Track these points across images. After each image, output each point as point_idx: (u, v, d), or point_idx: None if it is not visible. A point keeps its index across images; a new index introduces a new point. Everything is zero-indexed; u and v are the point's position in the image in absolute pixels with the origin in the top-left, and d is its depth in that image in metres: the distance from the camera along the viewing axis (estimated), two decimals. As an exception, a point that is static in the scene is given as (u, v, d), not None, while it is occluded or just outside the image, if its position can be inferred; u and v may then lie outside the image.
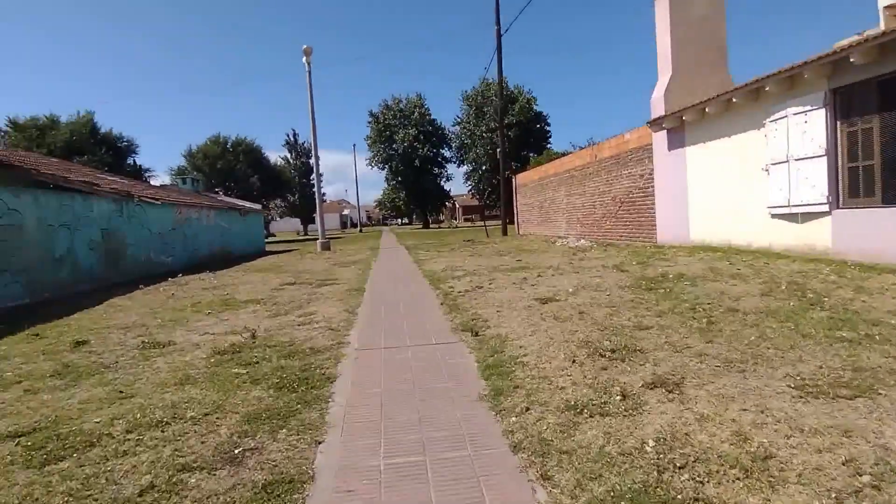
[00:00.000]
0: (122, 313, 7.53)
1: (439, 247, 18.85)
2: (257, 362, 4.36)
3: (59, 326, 6.68)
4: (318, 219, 22.09)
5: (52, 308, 8.22)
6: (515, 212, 26.15)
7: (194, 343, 5.28)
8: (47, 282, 9.73)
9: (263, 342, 5.06)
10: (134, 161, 46.48)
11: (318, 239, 21.46)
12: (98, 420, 3.32)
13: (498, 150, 26.37)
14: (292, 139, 60.70)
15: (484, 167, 50.38)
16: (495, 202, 51.91)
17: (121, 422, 3.25)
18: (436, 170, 57.44)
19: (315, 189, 23.57)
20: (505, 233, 24.49)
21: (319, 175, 23.29)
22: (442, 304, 6.66)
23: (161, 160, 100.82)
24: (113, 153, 41.91)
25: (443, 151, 57.61)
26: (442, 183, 58.94)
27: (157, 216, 14.72)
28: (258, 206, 32.62)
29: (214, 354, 4.72)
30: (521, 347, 4.28)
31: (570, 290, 6.72)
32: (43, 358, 5.04)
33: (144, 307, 7.95)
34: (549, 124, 51.70)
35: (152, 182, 39.40)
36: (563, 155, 24.66)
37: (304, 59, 19.90)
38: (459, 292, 7.33)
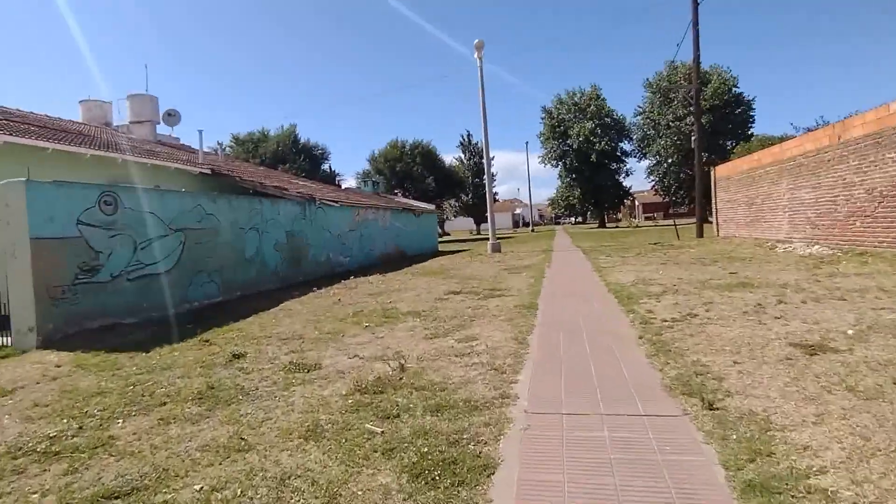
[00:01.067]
0: (288, 319, 7.40)
1: (622, 251, 16.59)
2: (398, 415, 3.37)
3: (230, 332, 6.67)
4: (489, 219, 21.39)
5: (236, 308, 8.56)
6: (714, 210, 22.31)
7: (339, 370, 4.57)
8: (238, 281, 10.35)
9: (411, 380, 4.08)
10: (330, 167, 51.99)
11: (488, 239, 20.77)
12: (199, 487, 2.69)
13: (693, 137, 22.76)
14: (466, 140, 61.87)
15: (670, 160, 45.14)
16: (683, 198, 46.24)
17: (219, 497, 2.52)
18: (614, 165, 53.34)
19: (486, 189, 22.92)
20: (700, 234, 20.94)
21: (492, 175, 22.60)
22: (641, 337, 4.95)
23: (350, 165, 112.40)
24: (309, 160, 47.23)
25: (622, 145, 53.27)
26: (620, 179, 54.61)
27: (337, 218, 15.29)
28: (432, 207, 33.39)
29: (355, 391, 3.92)
30: (806, 450, 2.50)
31: (849, 331, 4.47)
32: (198, 372, 4.83)
33: (310, 313, 7.75)
34: (752, 108, 44.20)
35: (342, 185, 43.41)
36: (781, 140, 20.20)
37: (475, 54, 19.31)
38: (664, 321, 5.51)
